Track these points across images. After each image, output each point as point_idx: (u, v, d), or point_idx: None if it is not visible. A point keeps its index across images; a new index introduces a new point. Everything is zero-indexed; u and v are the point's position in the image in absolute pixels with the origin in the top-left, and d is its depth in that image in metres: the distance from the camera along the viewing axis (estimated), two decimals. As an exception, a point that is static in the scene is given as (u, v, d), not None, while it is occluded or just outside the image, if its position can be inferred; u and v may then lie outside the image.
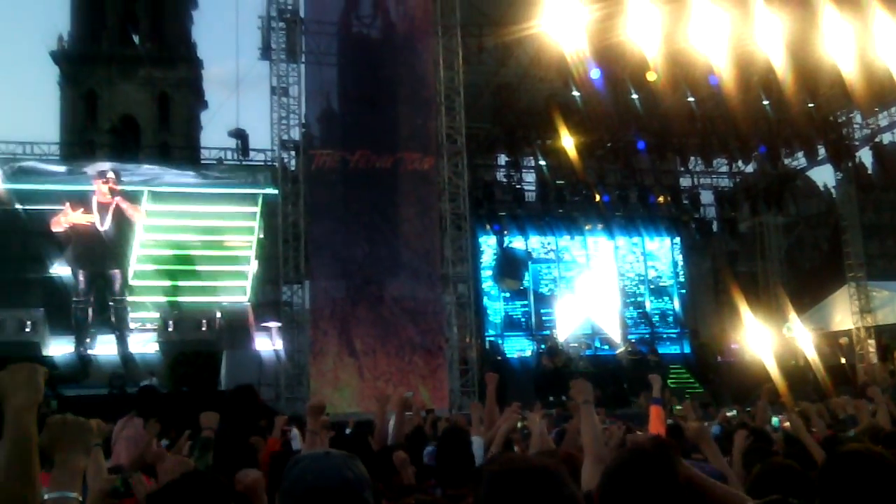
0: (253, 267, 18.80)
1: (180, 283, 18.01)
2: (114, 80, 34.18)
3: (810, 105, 22.98)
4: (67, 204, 15.97)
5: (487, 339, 22.55)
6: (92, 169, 18.35)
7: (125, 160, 23.92)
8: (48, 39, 35.08)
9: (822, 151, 25.22)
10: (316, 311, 15.69)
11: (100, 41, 34.69)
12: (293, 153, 17.12)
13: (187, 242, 18.64)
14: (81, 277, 15.71)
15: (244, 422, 6.68)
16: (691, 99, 21.66)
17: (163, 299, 17.65)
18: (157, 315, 15.88)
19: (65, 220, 15.80)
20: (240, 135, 20.86)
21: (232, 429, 6.43)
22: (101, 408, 10.96)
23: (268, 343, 17.17)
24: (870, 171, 27.81)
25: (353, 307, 15.68)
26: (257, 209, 19.36)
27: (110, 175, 16.12)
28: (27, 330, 14.45)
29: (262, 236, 18.99)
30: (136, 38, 36.38)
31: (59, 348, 15.34)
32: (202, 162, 24.46)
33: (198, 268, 18.54)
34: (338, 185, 16.48)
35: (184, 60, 36.18)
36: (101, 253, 15.86)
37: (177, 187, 19.55)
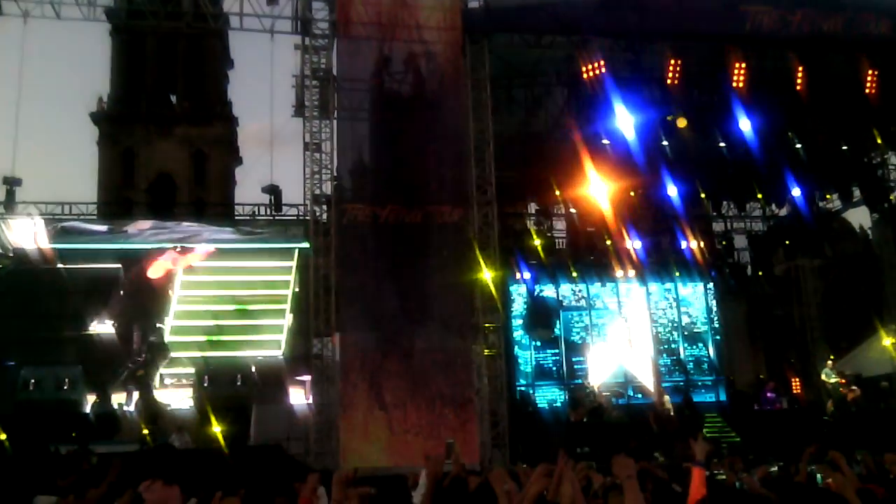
0: (288, 320, 18.99)
1: (216, 339, 18.26)
2: (151, 138, 34.94)
3: (844, 147, 22.90)
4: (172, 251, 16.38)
5: (518, 388, 22.38)
6: (133, 227, 18.79)
7: (161, 217, 24.41)
8: (88, 101, 36.03)
9: (857, 193, 25.01)
10: (346, 363, 15.71)
11: (138, 101, 35.60)
12: (325, 207, 17.29)
13: (224, 297, 18.93)
14: (135, 336, 16.00)
15: (270, 484, 6.73)
16: (722, 144, 21.69)
17: (199, 354, 17.89)
18: (193, 370, 16.06)
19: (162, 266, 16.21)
20: (273, 190, 21.23)
21: (258, 492, 6.51)
22: (129, 464, 11.07)
23: (302, 396, 17.23)
24: (906, 211, 27.42)
25: (383, 359, 15.69)
26: (293, 263, 19.60)
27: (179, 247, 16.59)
28: (65, 388, 14.66)
29: (297, 290, 19.18)
30: (173, 98, 37.25)
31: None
32: (236, 218, 24.86)
33: (234, 322, 18.78)
34: (368, 238, 16.60)
35: (219, 118, 36.81)
36: (149, 312, 16.23)
37: (216, 244, 19.89)
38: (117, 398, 15.78)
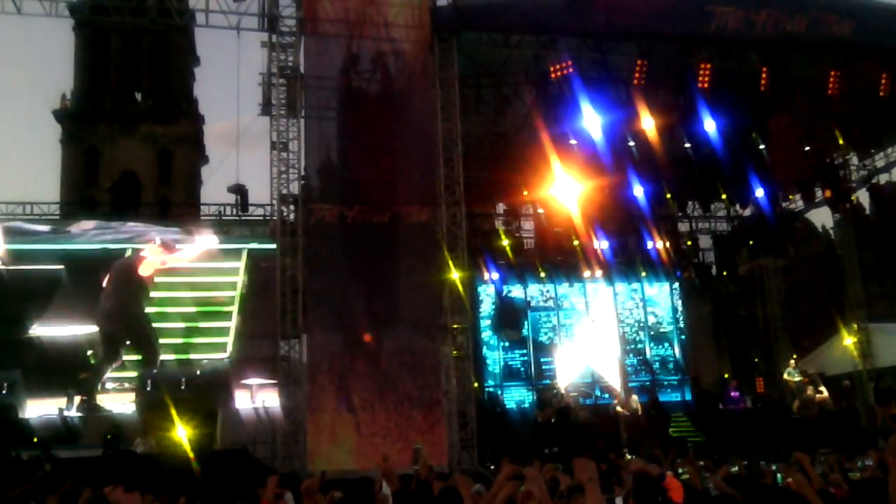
0: (235, 322, 18.69)
1: (162, 341, 17.80)
2: (115, 136, 34.40)
3: (807, 148, 23.19)
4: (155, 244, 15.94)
5: (486, 389, 22.40)
6: (77, 227, 18.38)
7: (125, 217, 23.99)
8: (51, 99, 35.53)
9: (819, 193, 25.34)
10: (313, 365, 15.58)
11: (102, 99, 35.09)
12: (292, 207, 17.06)
13: (169, 299, 18.48)
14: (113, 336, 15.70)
15: (233, 488, 6.65)
16: (688, 145, 21.86)
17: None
18: (135, 374, 15.81)
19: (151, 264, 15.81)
20: (239, 190, 20.87)
21: (220, 497, 6.42)
22: (92, 469, 10.87)
23: (248, 400, 16.98)
24: (868, 212, 27.90)
25: (352, 361, 15.59)
26: (241, 264, 19.27)
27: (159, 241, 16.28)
28: (3, 392, 14.34)
29: (244, 291, 18.90)
30: (138, 96, 36.78)
31: (37, 409, 15.21)
32: (202, 217, 24.53)
33: (179, 325, 18.43)
34: (336, 238, 16.46)
35: (185, 116, 36.41)
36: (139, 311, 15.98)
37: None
38: (57, 403, 15.27)
